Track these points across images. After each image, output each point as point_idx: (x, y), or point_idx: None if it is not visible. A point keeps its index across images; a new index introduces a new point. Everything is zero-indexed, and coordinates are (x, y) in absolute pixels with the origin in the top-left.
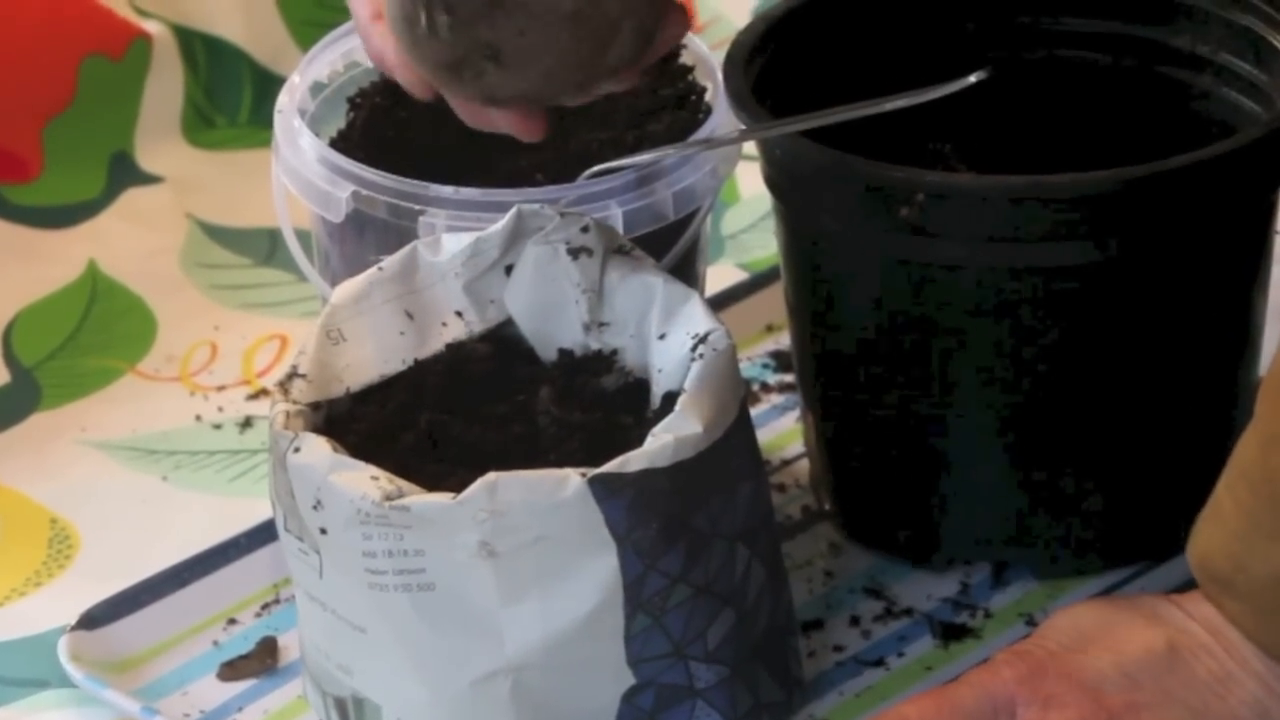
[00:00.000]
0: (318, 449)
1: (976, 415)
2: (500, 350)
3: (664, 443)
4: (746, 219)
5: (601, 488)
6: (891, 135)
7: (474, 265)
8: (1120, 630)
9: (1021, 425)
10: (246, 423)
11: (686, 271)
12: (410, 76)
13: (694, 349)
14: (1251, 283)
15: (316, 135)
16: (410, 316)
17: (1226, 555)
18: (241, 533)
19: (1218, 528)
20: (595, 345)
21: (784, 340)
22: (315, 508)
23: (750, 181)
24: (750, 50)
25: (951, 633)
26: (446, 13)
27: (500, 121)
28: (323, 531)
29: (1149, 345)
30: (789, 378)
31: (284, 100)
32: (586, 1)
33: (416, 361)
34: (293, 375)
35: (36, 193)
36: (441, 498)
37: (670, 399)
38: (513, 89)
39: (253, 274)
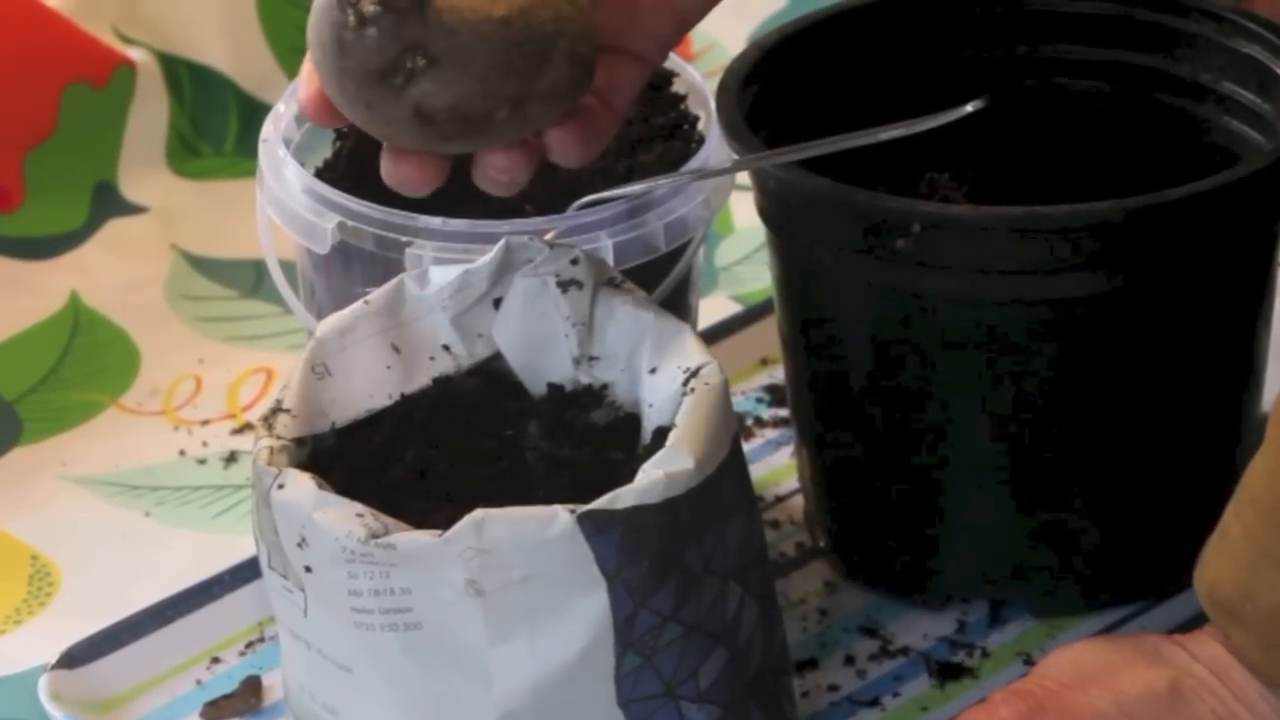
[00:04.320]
0: (302, 485)
1: (974, 450)
2: (488, 384)
3: (655, 479)
4: (740, 250)
5: (591, 524)
6: (888, 165)
7: (462, 298)
8: (1121, 669)
9: (1020, 460)
10: (231, 458)
11: (679, 304)
12: (319, 102)
13: (686, 383)
14: (1254, 315)
15: (302, 165)
16: (397, 350)
17: (1234, 584)
18: (225, 570)
19: (1226, 556)
20: (585, 379)
21: (778, 374)
22: (300, 545)
23: (744, 212)
24: (744, 79)
25: (948, 672)
26: (377, 3)
27: (410, 168)
28: (307, 569)
29: (1150, 378)
30: (783, 412)
31: (269, 129)
32: (517, 11)
33: (403, 396)
34: (277, 410)
35: (18, 223)
36: (428, 535)
37: (661, 434)
38: (445, 96)
39: (238, 306)
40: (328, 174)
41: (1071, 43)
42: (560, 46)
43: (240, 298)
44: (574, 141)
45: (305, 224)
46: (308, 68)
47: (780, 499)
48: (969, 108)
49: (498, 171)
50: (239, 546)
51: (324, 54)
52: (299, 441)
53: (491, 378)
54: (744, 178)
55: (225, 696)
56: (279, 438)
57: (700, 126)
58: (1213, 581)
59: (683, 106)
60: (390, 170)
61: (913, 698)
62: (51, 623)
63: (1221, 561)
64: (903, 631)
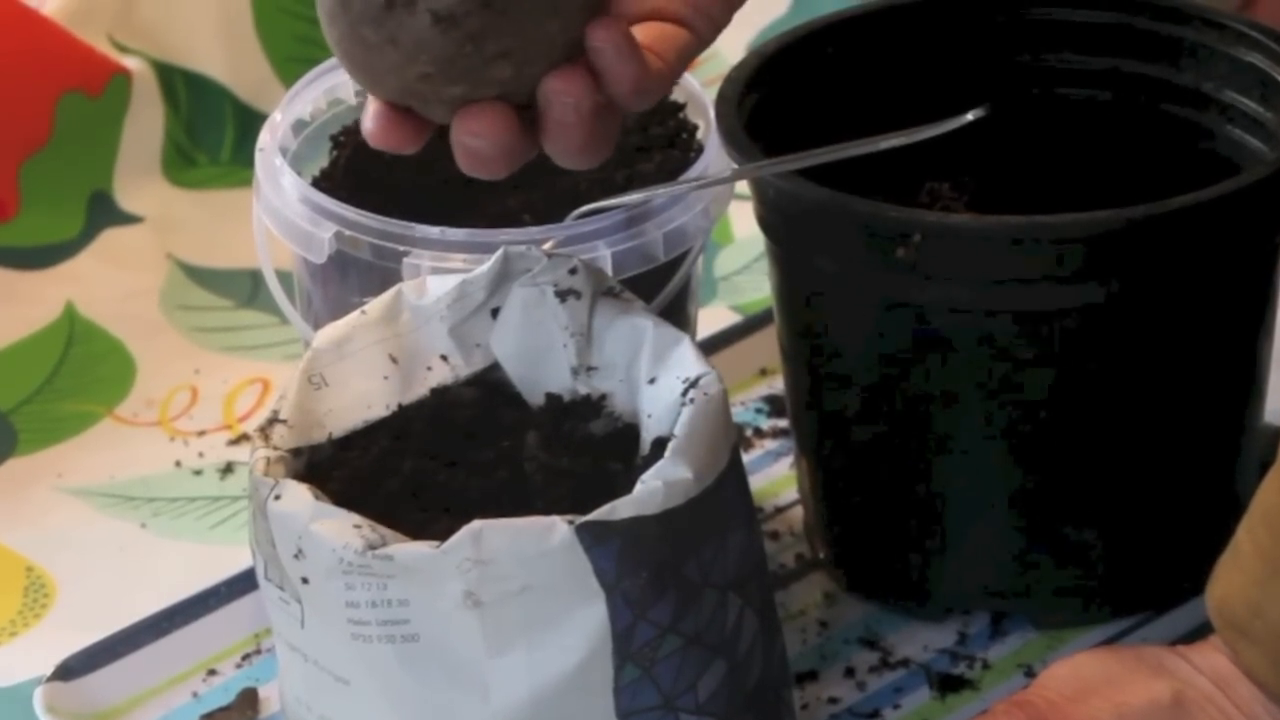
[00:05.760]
0: (299, 496)
1: (975, 461)
2: (486, 395)
3: (654, 489)
4: (740, 260)
5: (589, 535)
6: (888, 174)
7: (459, 308)
8: (1123, 681)
9: (1021, 471)
10: (227, 468)
11: (677, 314)
12: (383, 120)
13: (685, 393)
14: (1257, 325)
15: (299, 174)
16: (394, 360)
17: (1244, 600)
18: (222, 581)
19: (1236, 572)
20: (583, 390)
21: (778, 384)
22: (296, 556)
23: (744, 222)
24: (743, 87)
25: (949, 684)
26: None
27: (473, 120)
28: (304, 581)
29: (1151, 389)
30: (782, 423)
31: (265, 138)
32: None
33: (400, 407)
34: (274, 420)
35: (13, 233)
36: (425, 546)
37: (660, 445)
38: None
39: (234, 316)
40: (324, 183)
41: (1073, 51)
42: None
43: (236, 308)
44: (620, 43)
45: (302, 233)
46: (373, 105)
47: (780, 510)
48: (969, 116)
49: (558, 98)
50: (235, 558)
51: (334, 20)
52: (296, 452)
53: (489, 388)
54: (743, 187)
55: (222, 709)
56: (275, 448)
57: (699, 135)
58: (1223, 597)
59: (681, 115)
60: (457, 134)
61: (913, 710)
62: (47, 634)
63: (1232, 578)
64: (903, 643)
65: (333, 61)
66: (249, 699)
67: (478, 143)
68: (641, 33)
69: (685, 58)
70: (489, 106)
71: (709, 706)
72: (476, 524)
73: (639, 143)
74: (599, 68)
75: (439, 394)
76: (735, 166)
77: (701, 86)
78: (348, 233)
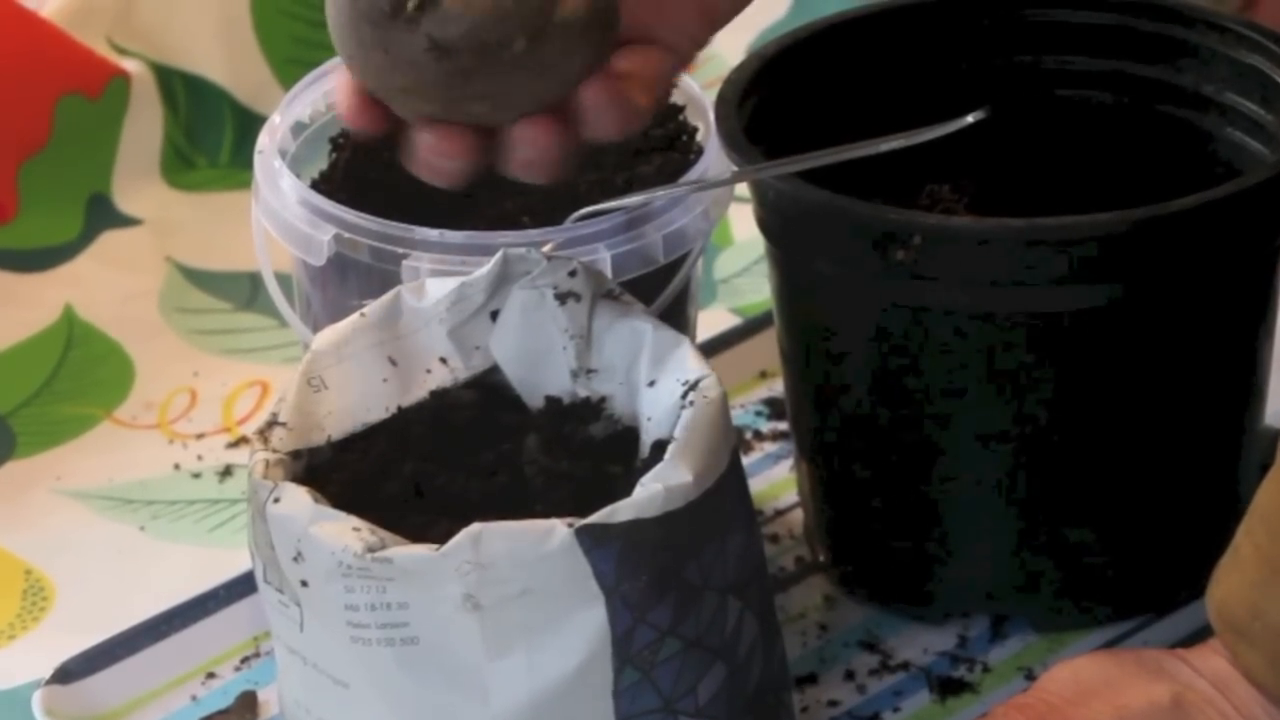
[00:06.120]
0: (298, 499)
1: (975, 464)
2: (486, 398)
3: (653, 492)
4: (739, 262)
5: (589, 538)
6: (888, 176)
7: (459, 310)
8: (1124, 684)
9: (1021, 474)
10: (226, 471)
11: (677, 316)
12: (354, 100)
13: (684, 396)
14: (1257, 327)
15: (298, 176)
16: (393, 363)
17: (1244, 602)
18: (221, 584)
19: (1236, 575)
20: (583, 392)
21: (777, 387)
22: (296, 559)
23: (743, 224)
24: (743, 89)
25: (949, 687)
26: None
27: (438, 138)
28: (303, 584)
29: (1152, 391)
30: (782, 425)
31: (264, 141)
32: None
33: (400, 409)
34: (273, 423)
35: (11, 235)
36: (425, 549)
37: (660, 447)
38: (460, 24)
39: (233, 319)
40: (324, 186)
41: (1073, 53)
42: None
43: (235, 310)
44: (608, 103)
45: (301, 236)
46: (343, 77)
47: (780, 513)
48: (970, 119)
49: (526, 144)
50: (234, 561)
51: (341, 7)
52: (295, 455)
53: (489, 391)
54: (743, 189)
55: (220, 712)
56: (275, 451)
57: (699, 137)
58: (1222, 600)
59: (681, 117)
60: (421, 147)
61: (913, 713)
62: (45, 638)
63: (1231, 580)
64: (903, 646)
65: (333, 63)
66: (248, 702)
67: (438, 161)
68: (624, 59)
69: (667, 81)
70: (455, 129)
71: (709, 710)
72: (476, 527)
73: (639, 145)
74: (584, 119)
75: (438, 397)
76: (735, 169)
77: (701, 89)
78: (347, 235)
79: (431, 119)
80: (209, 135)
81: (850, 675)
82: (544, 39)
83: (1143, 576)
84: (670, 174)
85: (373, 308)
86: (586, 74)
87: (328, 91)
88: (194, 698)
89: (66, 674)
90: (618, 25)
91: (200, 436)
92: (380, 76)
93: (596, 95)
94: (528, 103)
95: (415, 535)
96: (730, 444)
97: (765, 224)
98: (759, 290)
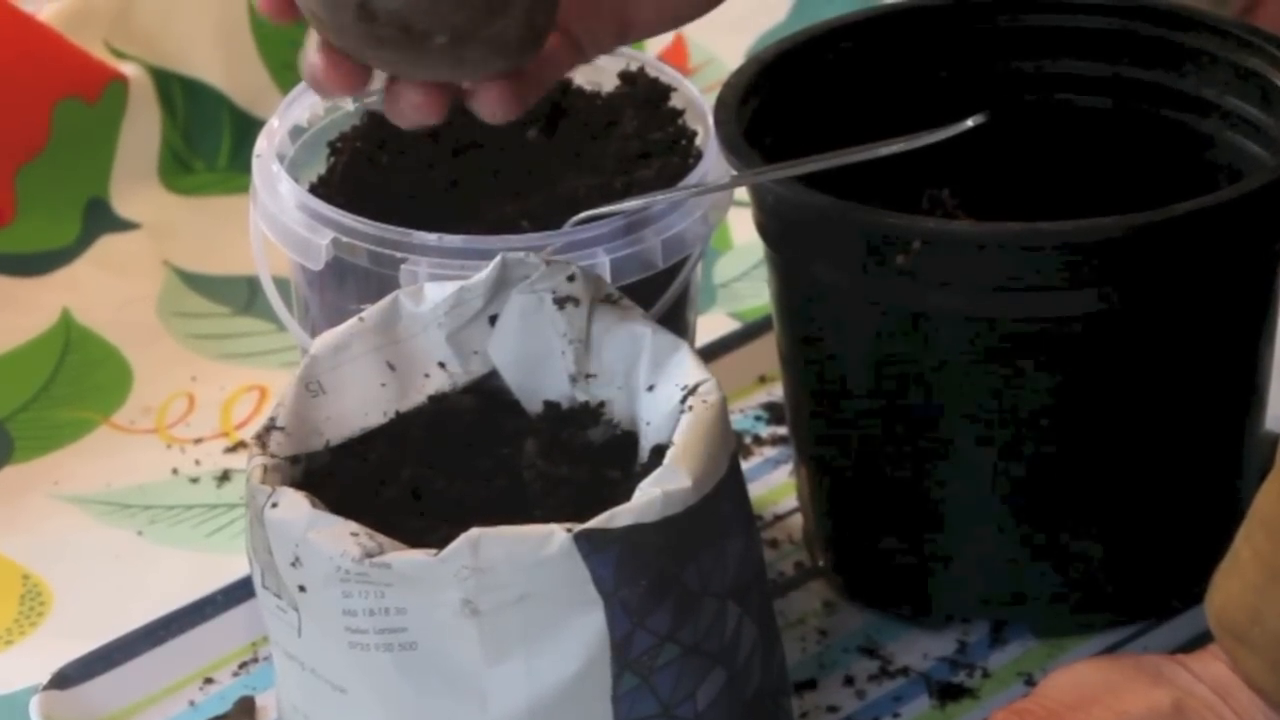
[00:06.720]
0: (296, 504)
1: (975, 469)
2: (484, 402)
3: (652, 497)
4: (739, 267)
5: (588, 543)
6: (888, 181)
7: (457, 315)
8: (1123, 689)
9: (1021, 479)
10: (224, 476)
11: (676, 321)
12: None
13: (683, 401)
14: (1258, 333)
15: (296, 180)
16: (392, 368)
17: (1243, 607)
18: (219, 589)
19: (1236, 580)
20: (582, 397)
21: (777, 392)
22: (294, 564)
23: (743, 228)
24: (743, 93)
25: (949, 693)
26: None
27: (328, 63)
28: (301, 589)
29: (1152, 397)
30: (782, 430)
31: (262, 145)
32: None
33: (398, 414)
34: (271, 428)
35: (9, 240)
36: (423, 554)
37: (659, 452)
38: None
39: (231, 323)
40: (322, 189)
41: (1073, 58)
42: (521, 3)
43: (233, 315)
44: (498, 98)
45: (299, 240)
46: (315, 41)
47: (779, 518)
48: (969, 123)
49: (412, 109)
50: (232, 566)
51: None
52: (293, 460)
53: (487, 395)
54: (742, 193)
55: (219, 717)
56: (273, 456)
57: (698, 141)
58: (1222, 605)
59: (680, 121)
60: (312, 60)
61: (913, 718)
62: (43, 643)
63: (1231, 585)
64: (903, 652)
65: None
66: (246, 708)
67: (407, 109)
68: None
69: (562, 72)
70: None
71: (708, 715)
72: (474, 532)
73: (638, 149)
74: (474, 100)
75: (437, 401)
76: (734, 173)
77: (700, 93)
78: (345, 239)
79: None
80: (207, 139)
81: (850, 681)
82: (466, 45)
83: (1142, 582)
84: (669, 178)
85: (371, 312)
86: (498, 75)
87: None
88: (192, 703)
89: (64, 679)
90: (542, 44)
91: (198, 441)
92: (351, 38)
93: (488, 91)
94: (432, 80)
95: (413, 540)
96: (729, 449)
97: (764, 228)
98: (758, 295)
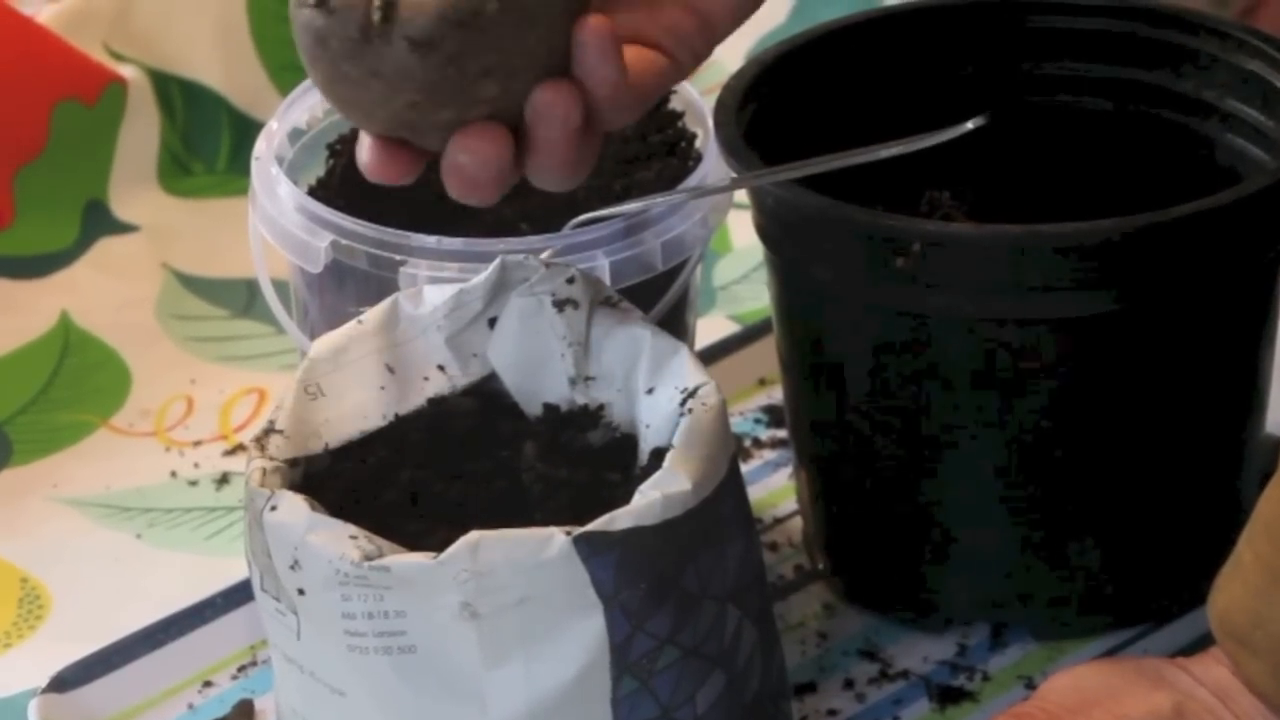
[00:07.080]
0: (295, 507)
1: (975, 472)
2: (484, 405)
3: (652, 500)
4: (738, 269)
5: (587, 546)
6: (888, 183)
7: (457, 318)
8: (1124, 693)
9: (1021, 482)
10: (223, 479)
11: (676, 324)
12: (377, 152)
13: (683, 404)
14: (1258, 334)
15: (295, 183)
16: (391, 370)
17: (1245, 611)
18: (217, 592)
19: (1237, 583)
20: (581, 400)
21: (776, 394)
22: (292, 567)
23: (742, 231)
24: (742, 95)
25: (949, 696)
26: None
27: (472, 139)
28: (300, 592)
29: (1152, 399)
30: (781, 433)
31: (261, 147)
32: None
33: (397, 417)
34: (269, 431)
35: (7, 242)
36: (422, 558)
37: (658, 455)
38: (426, 11)
39: (230, 326)
40: (321, 192)
41: (1074, 59)
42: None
43: (232, 317)
44: (612, 56)
45: (298, 243)
46: (367, 139)
47: (779, 521)
48: (970, 125)
49: (463, 151)
50: (231, 569)
51: (316, 61)
52: (292, 463)
53: (487, 398)
54: (742, 196)
55: None
56: (271, 459)
57: (698, 144)
58: (1224, 608)
59: (680, 123)
60: (455, 159)
61: None
62: (41, 646)
63: (1233, 589)
64: (903, 655)
65: None
66: (245, 711)
67: (469, 159)
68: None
69: (663, 84)
70: (482, 126)
71: (708, 718)
72: (474, 535)
73: (637, 151)
74: (581, 67)
75: (436, 404)
76: (734, 175)
77: (700, 95)
78: (344, 242)
79: (456, 125)
80: (206, 141)
81: (850, 684)
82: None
83: (1143, 585)
84: (669, 180)
85: (370, 315)
86: (572, 19)
87: None
88: (191, 706)
89: (62, 682)
90: None
91: (197, 444)
92: (386, 105)
93: (593, 30)
94: (530, 64)
95: (413, 543)
96: (729, 451)
97: (764, 231)
98: (758, 297)
